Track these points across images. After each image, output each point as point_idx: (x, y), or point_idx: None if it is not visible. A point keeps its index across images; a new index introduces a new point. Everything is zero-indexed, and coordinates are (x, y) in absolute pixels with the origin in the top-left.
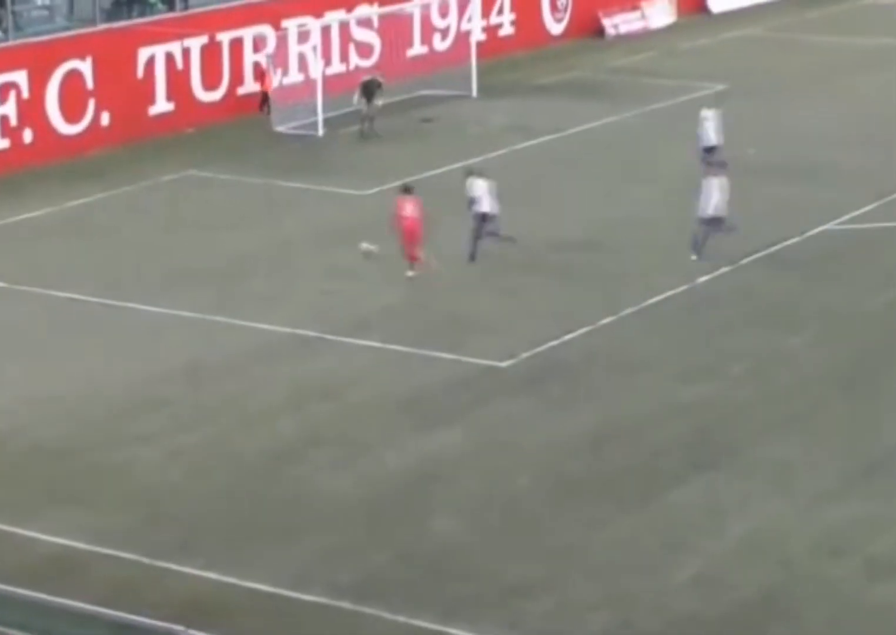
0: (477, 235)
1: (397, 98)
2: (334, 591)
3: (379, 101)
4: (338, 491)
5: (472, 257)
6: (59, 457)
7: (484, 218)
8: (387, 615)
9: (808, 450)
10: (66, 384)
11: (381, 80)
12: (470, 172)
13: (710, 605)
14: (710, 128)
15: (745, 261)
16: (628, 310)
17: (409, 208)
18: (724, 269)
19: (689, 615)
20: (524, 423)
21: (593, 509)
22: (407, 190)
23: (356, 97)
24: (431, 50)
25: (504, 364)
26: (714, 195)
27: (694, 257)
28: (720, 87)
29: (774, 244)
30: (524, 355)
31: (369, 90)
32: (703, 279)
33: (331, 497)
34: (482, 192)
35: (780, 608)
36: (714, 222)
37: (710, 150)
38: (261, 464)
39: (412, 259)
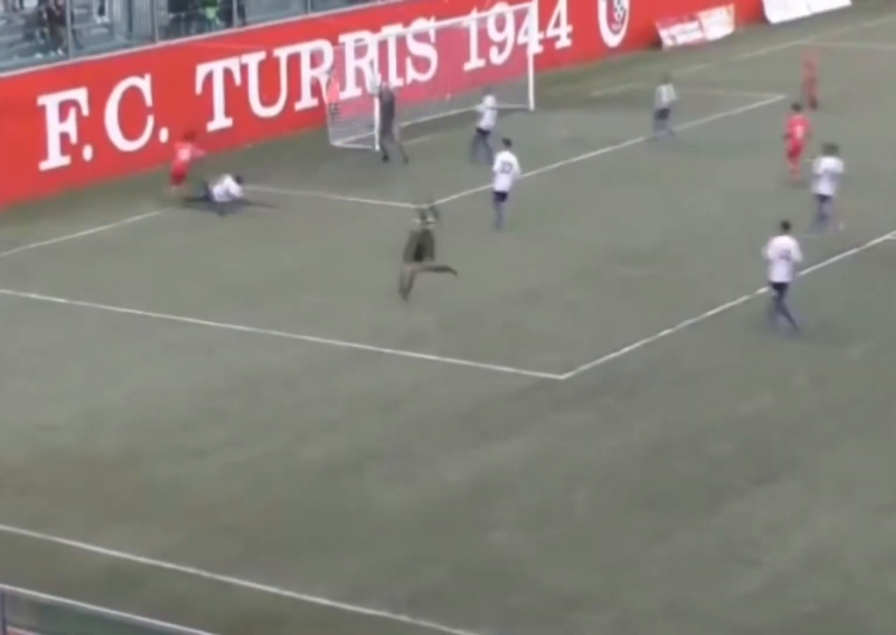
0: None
1: (454, 111)
2: (392, 604)
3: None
4: (395, 504)
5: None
6: (118, 471)
7: (500, 195)
8: (444, 628)
9: (869, 461)
10: (124, 398)
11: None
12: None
13: (772, 619)
14: (663, 95)
15: (806, 271)
16: (687, 322)
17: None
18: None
19: (750, 629)
20: (582, 436)
21: (652, 521)
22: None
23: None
24: (488, 63)
25: (562, 376)
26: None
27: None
28: (779, 97)
29: (834, 255)
30: (582, 367)
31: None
32: (763, 290)
33: (388, 510)
34: (502, 168)
35: (842, 622)
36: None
37: (662, 112)
38: (318, 477)
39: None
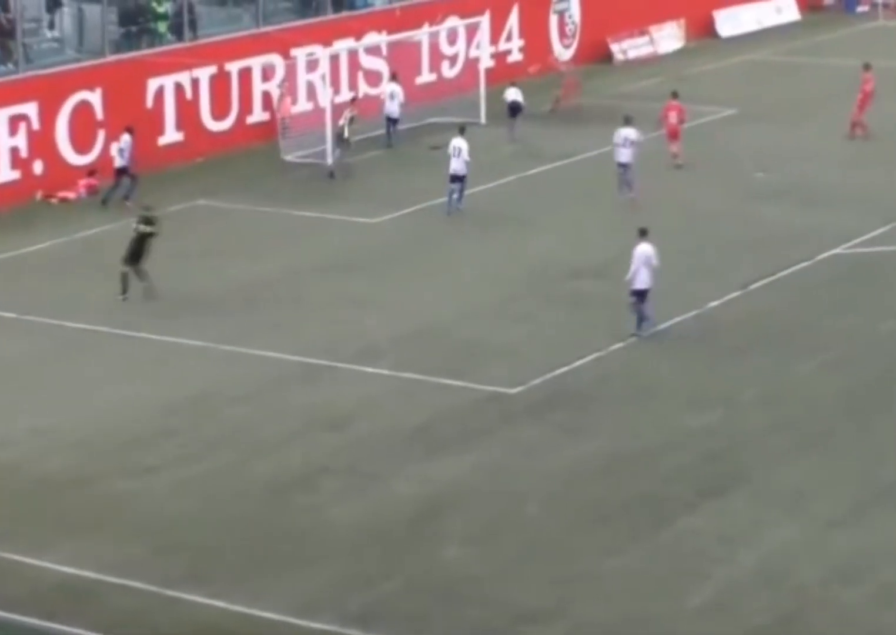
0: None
1: (406, 125)
2: (343, 619)
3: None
4: (347, 520)
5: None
6: (68, 488)
7: (452, 178)
8: None
9: (819, 476)
10: (76, 414)
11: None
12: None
13: (724, 631)
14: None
15: (755, 285)
16: (640, 336)
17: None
18: (735, 294)
19: None
20: (533, 450)
21: (604, 536)
22: (867, 67)
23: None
24: (440, 77)
25: (514, 391)
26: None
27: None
28: (730, 111)
29: (784, 268)
30: (534, 382)
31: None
32: (712, 304)
33: (340, 526)
34: (452, 153)
35: (795, 634)
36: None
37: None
38: (270, 493)
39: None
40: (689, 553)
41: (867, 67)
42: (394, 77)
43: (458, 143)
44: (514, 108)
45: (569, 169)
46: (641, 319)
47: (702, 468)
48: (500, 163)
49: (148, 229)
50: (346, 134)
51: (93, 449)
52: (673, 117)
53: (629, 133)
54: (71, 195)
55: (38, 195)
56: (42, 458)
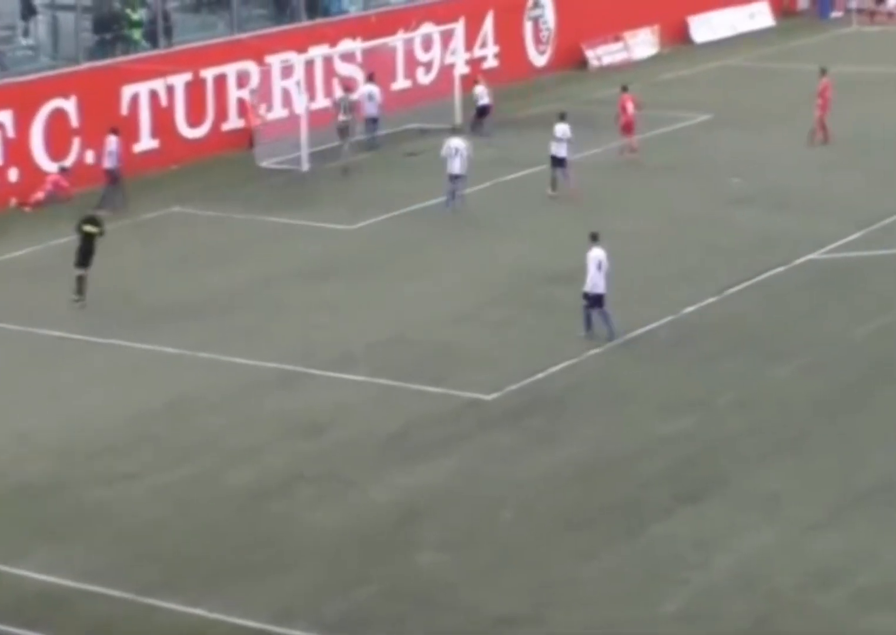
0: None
1: (381, 132)
2: (320, 626)
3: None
4: (323, 527)
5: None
6: (45, 495)
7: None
8: None
9: (795, 480)
10: (52, 421)
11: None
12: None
13: None
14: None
15: (730, 291)
16: (613, 343)
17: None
18: (711, 299)
19: None
20: (510, 457)
21: (579, 542)
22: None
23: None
24: (415, 83)
25: (490, 397)
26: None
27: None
28: (704, 117)
29: (760, 274)
30: (510, 388)
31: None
32: (688, 310)
33: (316, 532)
34: (450, 153)
35: None
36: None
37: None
38: (246, 500)
39: None
40: (666, 558)
41: (824, 72)
42: (370, 78)
43: (456, 143)
44: (482, 110)
45: (544, 174)
46: (591, 323)
47: (677, 473)
48: (476, 169)
49: (94, 229)
50: (342, 118)
51: (69, 456)
52: (630, 108)
53: (565, 129)
54: (39, 194)
55: (13, 202)
56: (18, 465)
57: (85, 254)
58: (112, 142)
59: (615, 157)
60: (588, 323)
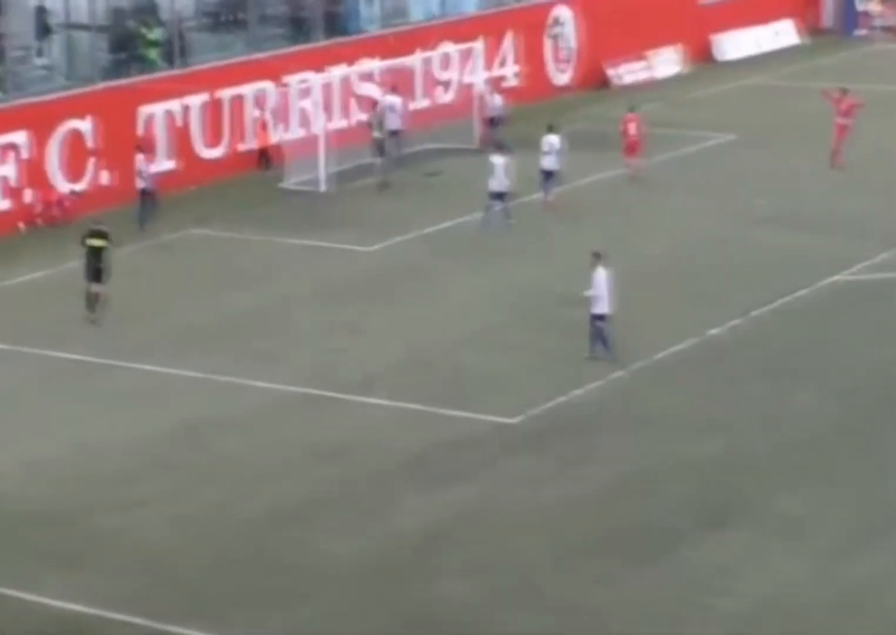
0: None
1: (402, 152)
2: None
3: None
4: (343, 553)
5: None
6: (58, 522)
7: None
8: None
9: (821, 504)
10: (67, 447)
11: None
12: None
13: None
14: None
15: (754, 313)
16: (638, 365)
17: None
18: (735, 321)
19: None
20: (534, 481)
21: (604, 568)
22: (631, 109)
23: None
24: (434, 103)
25: (514, 420)
26: None
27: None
28: (729, 136)
29: (784, 295)
30: (533, 411)
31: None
32: (712, 332)
33: (335, 559)
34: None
35: None
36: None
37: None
38: (264, 527)
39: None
40: (690, 584)
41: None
42: (393, 89)
43: (497, 159)
44: (495, 120)
45: (561, 196)
46: (604, 342)
47: (702, 497)
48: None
49: (99, 243)
50: (376, 135)
51: (83, 482)
52: (633, 129)
53: (553, 140)
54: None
55: (21, 226)
56: (32, 492)
57: (94, 269)
58: (140, 160)
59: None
60: (600, 342)
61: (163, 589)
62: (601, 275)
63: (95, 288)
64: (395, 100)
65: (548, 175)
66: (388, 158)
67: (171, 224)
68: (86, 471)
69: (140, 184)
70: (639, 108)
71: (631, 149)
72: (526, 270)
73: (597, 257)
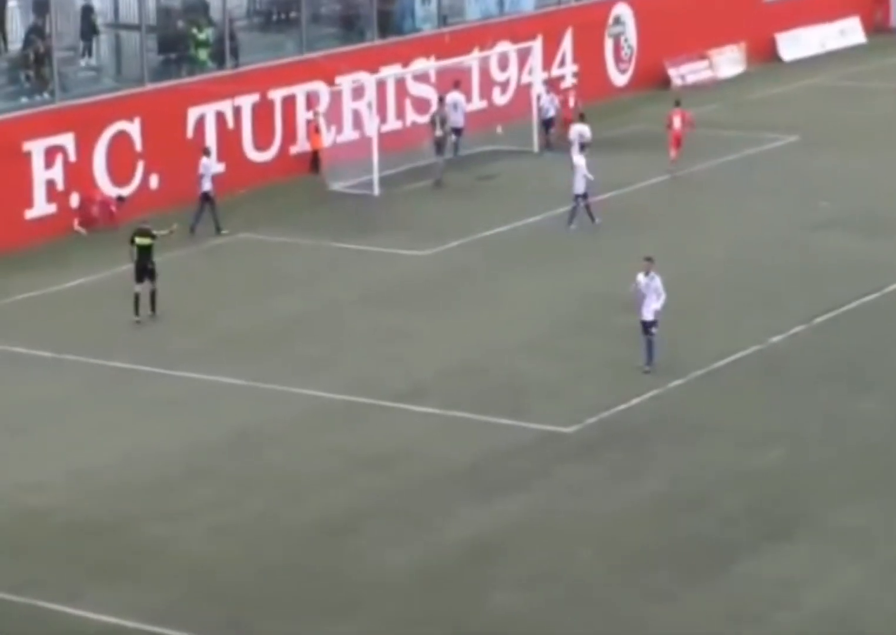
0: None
1: (457, 155)
2: None
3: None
4: (392, 566)
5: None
6: (103, 532)
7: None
8: None
9: (885, 516)
10: (110, 456)
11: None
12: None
13: None
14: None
15: (819, 319)
16: (697, 373)
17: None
18: (798, 328)
19: None
20: (589, 492)
21: (660, 581)
22: (678, 103)
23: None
24: (491, 104)
25: (568, 430)
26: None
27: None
28: (792, 138)
29: (850, 301)
30: (589, 420)
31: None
32: (775, 339)
33: (384, 570)
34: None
35: None
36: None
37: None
38: (311, 538)
39: None
40: (750, 598)
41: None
42: (457, 85)
43: (580, 160)
44: (547, 122)
45: (620, 199)
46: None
47: (762, 509)
48: (552, 193)
49: (145, 241)
50: (438, 133)
51: (128, 491)
52: (677, 122)
53: (582, 130)
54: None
55: (76, 225)
56: (76, 502)
57: (142, 269)
58: (204, 164)
59: (681, 176)
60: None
61: (205, 601)
62: (645, 280)
63: (145, 287)
64: (458, 97)
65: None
66: (444, 157)
67: (209, 230)
68: (129, 480)
69: (204, 186)
70: (683, 104)
71: (675, 142)
72: (583, 275)
73: (648, 262)
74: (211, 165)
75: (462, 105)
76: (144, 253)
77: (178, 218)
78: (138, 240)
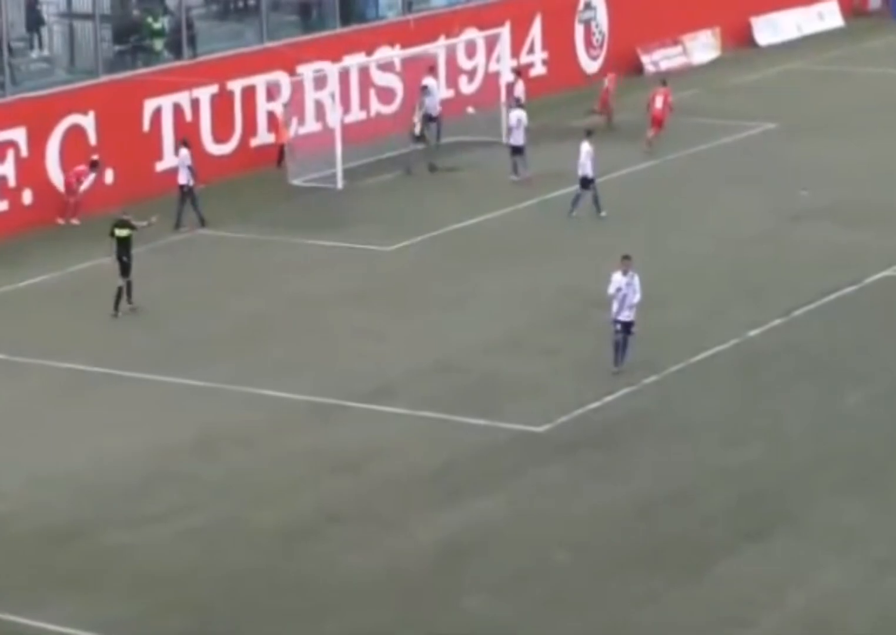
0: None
1: (423, 145)
2: None
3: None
4: (362, 569)
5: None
6: (63, 540)
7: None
8: None
9: (868, 515)
10: (72, 461)
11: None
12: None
13: None
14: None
15: (797, 312)
16: (673, 369)
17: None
18: (777, 321)
19: None
20: (563, 492)
21: (639, 583)
22: (664, 82)
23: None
24: (458, 93)
25: (541, 429)
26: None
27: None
28: (769, 125)
29: (829, 293)
30: (562, 419)
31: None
32: (753, 333)
33: (355, 575)
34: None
35: None
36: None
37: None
38: (279, 542)
39: None
40: (732, 599)
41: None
42: (431, 71)
43: (585, 147)
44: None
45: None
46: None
47: (743, 508)
48: (522, 185)
49: (124, 233)
50: (417, 131)
51: (90, 498)
52: (659, 102)
53: (520, 116)
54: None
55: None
56: (37, 508)
57: (121, 263)
58: (183, 155)
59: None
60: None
61: (173, 611)
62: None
63: (123, 282)
64: (432, 82)
65: (517, 150)
66: (429, 145)
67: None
68: (91, 486)
69: (182, 179)
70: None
71: (655, 122)
72: (556, 270)
73: (627, 260)
74: (188, 156)
75: (434, 92)
76: (123, 244)
77: (136, 214)
78: (117, 231)
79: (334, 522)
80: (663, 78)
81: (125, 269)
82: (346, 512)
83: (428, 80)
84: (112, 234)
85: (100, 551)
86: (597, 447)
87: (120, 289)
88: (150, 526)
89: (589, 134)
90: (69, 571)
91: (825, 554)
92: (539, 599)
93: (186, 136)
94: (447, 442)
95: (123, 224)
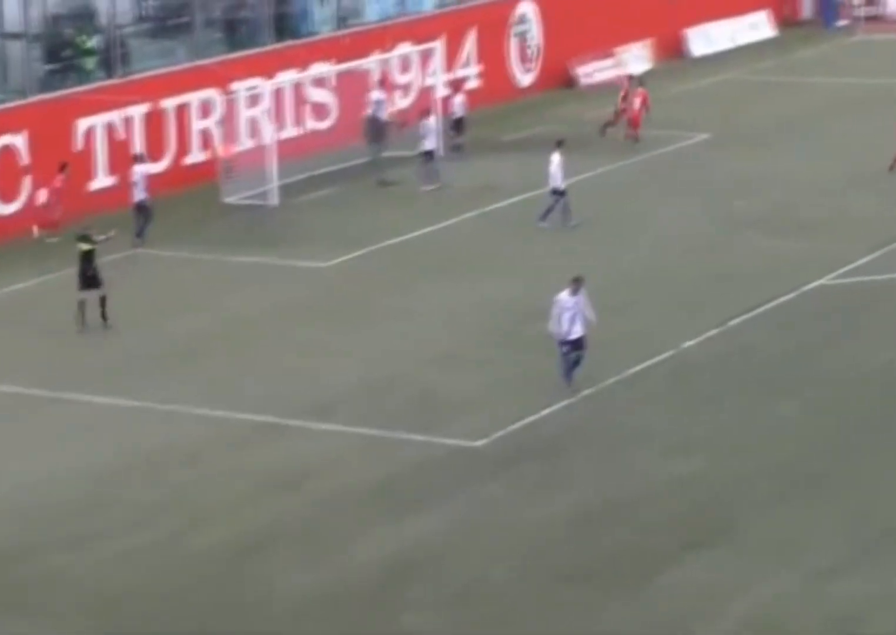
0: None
1: (356, 161)
2: None
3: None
4: (303, 589)
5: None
6: (7, 562)
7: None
8: None
9: (809, 524)
10: (7, 483)
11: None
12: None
13: None
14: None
15: (734, 321)
16: (611, 380)
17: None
18: (713, 332)
19: None
20: (503, 507)
21: (581, 597)
22: (641, 82)
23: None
24: (393, 107)
25: (478, 443)
26: None
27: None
28: (703, 135)
29: (766, 302)
30: (500, 433)
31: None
32: (689, 344)
33: (296, 595)
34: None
35: None
36: None
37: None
38: (219, 562)
39: None
40: (674, 610)
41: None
42: (382, 83)
43: (555, 158)
44: (458, 121)
45: (527, 204)
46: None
47: (684, 519)
48: (457, 199)
49: (86, 247)
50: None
51: (27, 520)
52: (636, 103)
53: (429, 125)
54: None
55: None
56: None
57: (88, 277)
58: (137, 172)
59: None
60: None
61: (117, 630)
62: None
63: (91, 295)
64: (381, 96)
65: (429, 155)
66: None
67: (113, 243)
68: (29, 508)
69: (137, 196)
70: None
71: (633, 122)
72: (491, 284)
73: (577, 282)
74: (142, 173)
75: (383, 104)
76: (86, 258)
77: (68, 235)
78: (81, 245)
79: (275, 541)
80: (641, 79)
81: (91, 283)
82: (288, 531)
83: (377, 94)
84: (77, 250)
85: (36, 573)
86: (536, 460)
87: (82, 304)
88: (90, 547)
89: (559, 144)
90: (5, 594)
91: (767, 564)
92: (481, 616)
93: (140, 152)
94: (385, 458)
95: (85, 238)
